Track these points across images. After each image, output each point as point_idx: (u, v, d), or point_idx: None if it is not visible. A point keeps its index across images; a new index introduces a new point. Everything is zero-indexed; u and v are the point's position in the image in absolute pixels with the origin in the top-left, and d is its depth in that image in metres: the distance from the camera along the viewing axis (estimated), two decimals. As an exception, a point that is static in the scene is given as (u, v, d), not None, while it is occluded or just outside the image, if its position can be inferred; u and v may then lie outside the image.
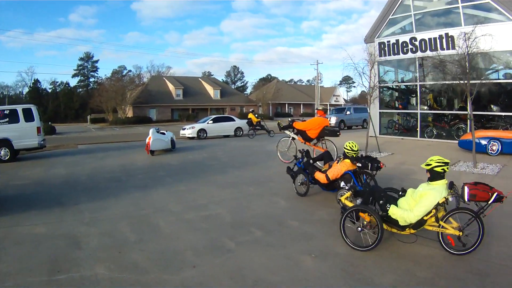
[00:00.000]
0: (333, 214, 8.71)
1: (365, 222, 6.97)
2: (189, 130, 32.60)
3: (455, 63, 17.22)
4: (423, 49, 24.46)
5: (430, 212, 6.56)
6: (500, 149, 17.31)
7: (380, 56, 26.31)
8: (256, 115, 35.26)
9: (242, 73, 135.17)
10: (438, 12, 24.66)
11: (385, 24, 26.72)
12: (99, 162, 18.86)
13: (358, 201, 7.40)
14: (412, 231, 6.84)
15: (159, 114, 68.11)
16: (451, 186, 6.78)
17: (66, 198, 11.20)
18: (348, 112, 45.02)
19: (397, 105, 28.03)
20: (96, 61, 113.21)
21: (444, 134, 24.25)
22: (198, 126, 33.17)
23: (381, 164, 9.30)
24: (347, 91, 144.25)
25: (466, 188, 6.46)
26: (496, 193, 6.33)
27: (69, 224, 8.56)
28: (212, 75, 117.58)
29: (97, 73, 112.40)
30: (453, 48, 22.05)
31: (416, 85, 25.65)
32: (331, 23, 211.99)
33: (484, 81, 19.41)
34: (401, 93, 28.73)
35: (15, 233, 8.07)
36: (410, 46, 25.15)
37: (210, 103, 74.80)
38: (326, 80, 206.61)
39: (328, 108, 69.05)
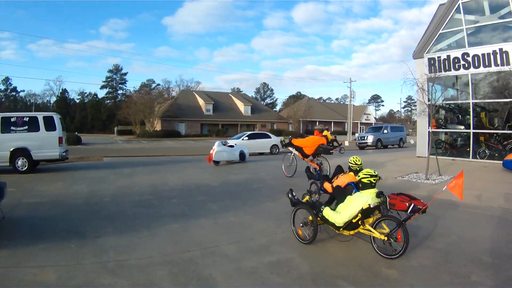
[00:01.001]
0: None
1: (306, 220, 7.86)
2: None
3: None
4: (476, 65, 22.41)
5: (356, 216, 7.15)
6: None
7: (430, 72, 23.76)
8: (331, 133, 34.06)
9: (272, 90, 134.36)
10: (491, 26, 22.67)
11: (435, 38, 24.55)
12: (126, 180, 16.66)
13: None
14: (347, 232, 7.54)
15: (188, 128, 66.41)
16: (379, 195, 7.17)
17: (86, 226, 8.81)
18: (385, 131, 43.50)
19: (446, 123, 26.04)
20: (125, 74, 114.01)
21: (497, 154, 22.02)
22: (231, 142, 30.32)
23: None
24: (376, 110, 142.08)
25: (387, 198, 7.21)
26: (414, 204, 6.93)
27: (88, 270, 6.13)
28: (242, 91, 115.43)
29: (125, 86, 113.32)
30: (508, 64, 20.80)
31: (469, 103, 23.25)
32: (361, 42, 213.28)
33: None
34: (451, 112, 26.35)
35: (12, 279, 5.76)
36: (462, 62, 23.02)
37: (240, 119, 73.15)
38: (355, 99, 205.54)
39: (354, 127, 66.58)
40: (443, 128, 25.89)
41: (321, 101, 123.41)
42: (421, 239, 7.94)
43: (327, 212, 7.63)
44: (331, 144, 31.01)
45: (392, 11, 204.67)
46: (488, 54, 21.92)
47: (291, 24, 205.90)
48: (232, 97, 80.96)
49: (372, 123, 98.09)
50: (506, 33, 22.16)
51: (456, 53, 23.43)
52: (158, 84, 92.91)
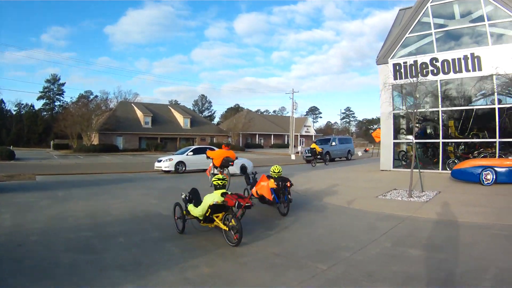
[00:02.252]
0: None
1: (180, 214, 9.65)
2: (166, 163, 26.96)
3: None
4: (446, 71, 20.80)
5: (207, 211, 8.80)
6: (494, 178, 15.76)
7: (395, 79, 22.15)
8: (319, 146, 36.29)
9: (210, 102, 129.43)
10: (462, 30, 21.18)
11: (401, 43, 22.71)
12: (59, 206, 13.09)
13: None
14: (206, 224, 9.15)
15: (126, 142, 61.77)
16: (223, 195, 8.84)
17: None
18: (333, 143, 41.41)
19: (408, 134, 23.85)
20: (63, 84, 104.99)
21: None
22: (176, 158, 27.68)
23: (288, 183, 11.56)
24: (314, 122, 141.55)
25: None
26: (237, 201, 8.48)
27: None
28: (179, 103, 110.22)
29: (63, 97, 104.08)
30: (480, 69, 19.50)
31: (438, 111, 21.42)
32: (301, 53, 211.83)
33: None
34: (418, 121, 24.17)
35: None
36: (430, 68, 21.35)
37: (179, 132, 68.85)
38: (297, 110, 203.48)
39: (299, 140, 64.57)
40: (407, 138, 23.77)
41: (259, 113, 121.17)
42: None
43: (190, 208, 9.40)
44: (318, 157, 34.15)
45: (335, 22, 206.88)
46: (459, 59, 20.50)
47: (232, 35, 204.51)
48: (171, 109, 76.49)
49: (312, 136, 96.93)
50: (478, 37, 20.83)
51: (424, 58, 21.74)
52: (96, 96, 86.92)
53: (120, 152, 56.64)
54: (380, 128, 67.79)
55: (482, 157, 19.35)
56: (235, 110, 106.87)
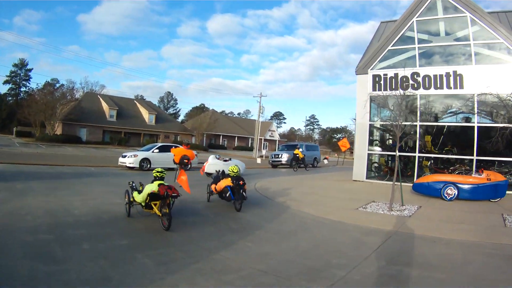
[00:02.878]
0: None
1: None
2: (130, 159, 25.41)
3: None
4: (427, 86, 20.41)
5: (147, 198, 9.74)
6: (456, 194, 15.72)
7: (374, 90, 21.71)
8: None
9: (176, 100, 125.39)
10: (446, 48, 20.89)
11: (382, 54, 22.07)
12: (16, 201, 11.55)
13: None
14: (148, 210, 10.07)
15: (89, 134, 58.84)
16: (159, 185, 9.71)
17: None
18: (301, 150, 39.22)
19: (380, 146, 23.91)
20: (30, 70, 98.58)
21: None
22: (141, 154, 26.21)
23: (241, 182, 12.60)
24: (278, 127, 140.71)
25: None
26: (166, 191, 9.45)
27: None
28: (145, 99, 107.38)
29: (29, 83, 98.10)
30: (461, 87, 19.37)
31: (416, 125, 20.76)
32: (271, 59, 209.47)
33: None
34: (393, 134, 23.58)
35: None
36: (411, 82, 20.85)
37: (144, 128, 66.52)
38: (256, 115, 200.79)
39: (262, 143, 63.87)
40: (382, 150, 23.61)
41: (224, 114, 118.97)
42: None
43: (135, 195, 10.32)
44: (300, 162, 34.97)
45: (308, 31, 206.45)
46: (441, 76, 20.23)
47: (204, 35, 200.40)
48: (137, 104, 73.80)
49: (276, 140, 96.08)
50: (462, 56, 20.52)
51: (405, 72, 20.92)
52: (63, 85, 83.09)
53: (83, 144, 53.94)
54: (346, 137, 67.98)
55: (458, 173, 18.98)
56: (200, 109, 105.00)
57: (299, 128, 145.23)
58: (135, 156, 25.77)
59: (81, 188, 15.35)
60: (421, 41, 21.36)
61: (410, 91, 20.17)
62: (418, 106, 20.78)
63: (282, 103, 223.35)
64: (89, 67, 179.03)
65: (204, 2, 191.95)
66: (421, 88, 20.67)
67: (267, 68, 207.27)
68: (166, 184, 9.83)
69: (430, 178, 17.02)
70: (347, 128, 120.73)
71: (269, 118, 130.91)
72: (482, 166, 18.41)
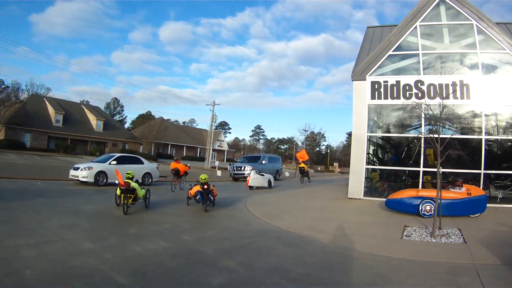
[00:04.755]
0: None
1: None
2: (84, 172, 20.14)
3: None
4: (432, 95, 17.37)
5: (119, 191, 12.80)
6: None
7: (373, 98, 18.67)
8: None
9: (122, 106, 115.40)
10: (451, 56, 18.36)
11: (382, 59, 18.86)
12: None
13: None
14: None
15: (34, 140, 50.98)
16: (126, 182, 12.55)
17: None
18: (263, 162, 36.43)
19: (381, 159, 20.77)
20: None
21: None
22: (96, 166, 20.87)
23: (210, 187, 14.24)
24: (224, 137, 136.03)
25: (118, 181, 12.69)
26: (122, 186, 12.35)
27: None
28: (91, 105, 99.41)
29: None
30: (468, 97, 17.36)
31: (420, 138, 17.71)
32: (220, 68, 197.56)
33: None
34: (392, 146, 20.74)
35: None
36: (415, 90, 18.00)
37: (91, 135, 59.14)
38: (202, 124, 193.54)
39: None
40: (376, 164, 20.30)
41: (172, 122, 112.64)
42: None
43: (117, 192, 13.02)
44: (305, 174, 35.12)
45: (259, 41, 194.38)
46: (447, 85, 17.44)
47: (155, 41, 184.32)
48: (85, 109, 65.25)
49: (225, 150, 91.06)
50: (467, 65, 18.09)
51: (408, 79, 18.33)
52: (7, 86, 75.32)
53: (27, 151, 45.54)
54: (304, 149, 64.87)
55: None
56: (147, 117, 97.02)
57: (244, 138, 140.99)
58: (89, 168, 20.48)
59: (30, 218, 10.34)
60: (424, 47, 18.57)
61: (414, 101, 17.11)
62: (423, 117, 16.96)
63: (227, 113, 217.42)
64: (36, 69, 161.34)
65: (158, 8, 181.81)
66: (426, 97, 17.11)
67: (215, 77, 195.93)
68: (126, 182, 12.66)
69: (405, 193, 14.78)
70: (294, 139, 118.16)
71: (215, 128, 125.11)
72: (460, 179, 16.29)
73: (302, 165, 35.88)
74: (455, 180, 16.01)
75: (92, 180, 20.15)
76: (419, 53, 18.43)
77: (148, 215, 12.80)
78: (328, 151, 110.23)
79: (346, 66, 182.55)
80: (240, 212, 14.50)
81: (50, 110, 55.24)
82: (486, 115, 17.58)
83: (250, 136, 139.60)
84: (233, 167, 36.02)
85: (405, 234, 11.21)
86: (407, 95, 18.08)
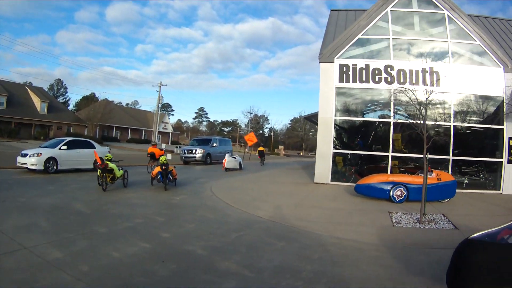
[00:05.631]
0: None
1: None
2: (32, 158, 17.88)
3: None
4: (401, 81, 17.14)
5: (99, 171, 13.88)
6: (406, 195, 13.53)
7: (341, 81, 17.99)
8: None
9: (66, 88, 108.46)
10: (421, 43, 18.13)
11: (351, 43, 18.13)
12: None
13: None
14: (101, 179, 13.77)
15: None
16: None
17: None
18: (214, 144, 35.08)
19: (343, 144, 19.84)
20: None
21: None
22: (45, 152, 18.51)
23: (169, 168, 15.03)
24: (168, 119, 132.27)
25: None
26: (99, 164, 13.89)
27: None
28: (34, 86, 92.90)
29: None
30: (438, 85, 16.63)
31: (389, 122, 17.81)
32: (165, 49, 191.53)
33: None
34: (360, 131, 19.73)
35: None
36: (384, 75, 17.55)
37: (35, 118, 54.31)
38: (145, 106, 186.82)
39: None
40: (341, 149, 19.28)
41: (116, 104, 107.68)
42: None
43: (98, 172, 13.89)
44: (263, 157, 37.04)
45: (206, 23, 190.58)
46: (417, 71, 17.30)
47: (101, 21, 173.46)
48: (29, 90, 59.14)
49: (169, 132, 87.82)
50: (438, 53, 18.01)
51: (377, 63, 17.80)
52: None
53: None
54: (252, 131, 63.57)
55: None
56: (91, 99, 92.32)
57: (186, 121, 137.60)
58: (38, 154, 18.17)
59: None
60: (395, 33, 18.15)
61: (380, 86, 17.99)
62: (392, 102, 17.53)
63: (171, 94, 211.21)
64: None
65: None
66: (395, 82, 17.21)
67: (160, 58, 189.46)
68: (104, 162, 13.84)
69: (375, 178, 14.39)
70: (237, 122, 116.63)
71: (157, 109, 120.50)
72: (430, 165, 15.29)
73: (261, 148, 37.06)
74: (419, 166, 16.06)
75: (41, 167, 17.94)
76: (389, 38, 17.95)
77: (116, 206, 11.11)
78: (272, 134, 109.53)
79: (292, 50, 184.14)
80: (210, 200, 13.11)
81: None
82: (454, 104, 17.52)
83: (194, 118, 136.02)
84: (184, 150, 34.16)
85: (394, 221, 10.56)
86: (376, 79, 17.66)
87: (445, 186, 13.76)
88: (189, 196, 13.80)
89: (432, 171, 13.99)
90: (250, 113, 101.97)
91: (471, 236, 4.57)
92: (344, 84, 18.01)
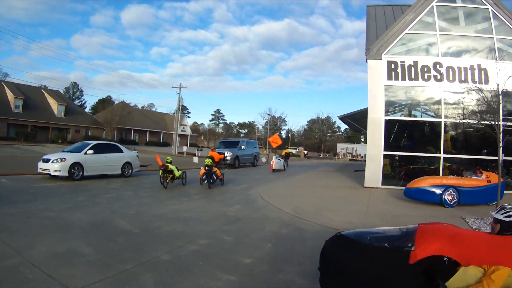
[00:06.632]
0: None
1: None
2: (56, 164, 15.89)
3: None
4: (451, 78, 15.78)
5: (161, 171, 15.68)
6: (458, 199, 12.46)
7: (389, 79, 16.44)
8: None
9: (82, 91, 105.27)
10: (468, 39, 16.62)
11: (398, 38, 16.52)
12: None
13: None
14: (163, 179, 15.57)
15: None
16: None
17: None
18: (242, 147, 32.79)
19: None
20: None
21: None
22: (70, 157, 16.47)
23: (216, 170, 16.69)
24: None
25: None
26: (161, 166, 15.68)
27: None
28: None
29: None
30: (486, 82, 15.04)
31: (439, 122, 16.34)
32: (180, 52, 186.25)
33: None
34: (408, 131, 18.23)
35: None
36: (433, 73, 16.01)
37: (52, 121, 52.48)
38: (161, 109, 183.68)
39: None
40: (390, 150, 17.53)
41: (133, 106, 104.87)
42: None
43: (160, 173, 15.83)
44: (286, 158, 33.97)
45: (222, 25, 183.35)
46: (465, 69, 15.81)
47: (116, 25, 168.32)
48: (45, 93, 57.26)
49: (188, 135, 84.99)
50: (485, 49, 16.30)
51: (426, 60, 16.27)
52: None
53: None
54: (277, 134, 61.70)
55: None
56: (107, 102, 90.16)
57: (202, 123, 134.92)
58: (62, 160, 16.16)
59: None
60: (441, 28, 16.58)
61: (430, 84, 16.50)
62: (442, 100, 16.58)
63: (186, 96, 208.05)
64: None
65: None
66: (445, 80, 15.85)
67: (176, 61, 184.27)
68: (165, 164, 15.73)
69: (426, 181, 13.10)
70: (254, 123, 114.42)
71: (173, 112, 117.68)
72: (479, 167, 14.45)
73: (288, 151, 37.25)
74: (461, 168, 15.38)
75: (66, 173, 15.97)
76: (436, 34, 16.39)
77: (165, 221, 9.20)
78: (289, 135, 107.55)
79: (308, 51, 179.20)
80: (269, 211, 11.33)
81: (9, 95, 48.10)
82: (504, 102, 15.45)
83: (210, 121, 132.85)
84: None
85: (474, 227, 9.50)
86: (426, 77, 16.11)
87: (494, 189, 12.32)
88: (243, 206, 11.85)
89: (482, 173, 13.07)
90: (269, 114, 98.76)
91: (342, 232, 4.67)
92: (393, 82, 16.51)
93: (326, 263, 4.49)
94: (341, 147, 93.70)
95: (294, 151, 79.00)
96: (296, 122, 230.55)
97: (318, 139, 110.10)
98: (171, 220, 9.26)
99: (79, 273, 5.33)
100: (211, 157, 20.22)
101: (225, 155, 29.78)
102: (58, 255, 6.04)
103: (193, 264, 6.07)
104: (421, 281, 4.01)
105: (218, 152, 24.68)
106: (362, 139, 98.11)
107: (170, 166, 15.60)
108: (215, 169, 16.49)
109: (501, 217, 4.18)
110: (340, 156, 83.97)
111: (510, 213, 4.16)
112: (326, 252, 4.52)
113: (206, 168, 16.03)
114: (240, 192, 15.33)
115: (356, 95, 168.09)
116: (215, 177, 16.41)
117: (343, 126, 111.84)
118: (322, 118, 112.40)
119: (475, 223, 9.67)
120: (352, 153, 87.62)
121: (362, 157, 77.94)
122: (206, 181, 16.10)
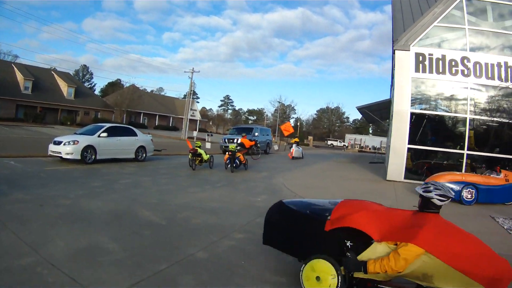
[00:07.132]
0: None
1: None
2: (68, 147, 15.03)
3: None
4: (478, 74, 15.19)
5: (190, 155, 16.89)
6: (476, 197, 12.08)
7: (417, 71, 15.79)
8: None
9: (92, 73, 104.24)
10: (495, 35, 16.02)
11: (426, 31, 15.80)
12: None
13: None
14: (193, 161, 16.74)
15: (1, 109, 43.24)
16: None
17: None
18: (256, 134, 31.60)
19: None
20: None
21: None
22: (83, 140, 15.65)
23: (239, 155, 17.35)
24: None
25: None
26: (192, 150, 16.58)
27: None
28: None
29: None
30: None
31: (465, 118, 15.89)
32: (192, 37, 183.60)
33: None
34: (432, 126, 17.56)
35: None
36: (461, 67, 15.35)
37: (61, 103, 51.48)
38: (170, 93, 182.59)
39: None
40: (414, 144, 16.95)
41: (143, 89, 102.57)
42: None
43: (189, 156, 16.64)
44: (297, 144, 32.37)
45: (235, 12, 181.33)
46: (492, 65, 15.24)
47: (129, 9, 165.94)
48: (55, 75, 56.09)
49: (197, 120, 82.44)
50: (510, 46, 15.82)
51: (454, 54, 15.56)
52: None
53: None
54: (289, 121, 60.68)
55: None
56: (116, 85, 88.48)
57: (211, 108, 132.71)
58: (75, 142, 15.35)
59: (10, 237, 5.80)
60: (470, 23, 15.97)
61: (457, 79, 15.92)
62: (468, 96, 16.17)
63: (196, 82, 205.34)
64: (4, 37, 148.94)
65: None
66: (472, 75, 15.26)
67: (187, 46, 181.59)
68: (195, 147, 16.79)
69: (446, 177, 12.70)
70: (264, 111, 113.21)
71: (182, 96, 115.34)
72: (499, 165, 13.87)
73: (297, 139, 34.58)
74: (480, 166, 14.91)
75: (78, 157, 15.16)
76: (465, 28, 15.72)
77: (192, 211, 8.44)
78: (298, 124, 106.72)
79: (321, 41, 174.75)
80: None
81: (19, 76, 47.55)
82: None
83: (219, 106, 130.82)
84: (224, 139, 30.81)
85: (506, 227, 9.11)
86: (453, 71, 15.45)
87: (512, 188, 11.83)
88: (270, 196, 11.05)
89: (500, 171, 12.68)
90: (279, 102, 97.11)
91: (283, 200, 5.34)
92: (420, 75, 15.88)
93: (267, 223, 5.12)
94: (349, 138, 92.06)
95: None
96: (306, 111, 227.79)
97: (327, 128, 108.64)
98: (198, 210, 8.57)
99: (107, 276, 4.64)
100: (242, 144, 20.96)
101: (257, 142, 28.59)
102: (79, 252, 5.34)
103: (235, 263, 5.46)
104: (335, 249, 4.37)
105: (248, 139, 23.90)
106: (371, 131, 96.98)
107: (199, 150, 16.59)
108: (238, 154, 17.17)
109: (420, 191, 4.20)
110: (349, 147, 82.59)
111: (429, 188, 4.14)
112: (268, 215, 5.19)
113: (230, 153, 16.81)
114: (262, 180, 14.84)
115: (367, 86, 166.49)
116: (238, 162, 17.06)
117: (352, 117, 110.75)
118: (332, 108, 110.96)
119: (505, 223, 9.40)
120: (360, 144, 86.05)
121: (370, 148, 77.21)
122: (229, 166, 16.71)
